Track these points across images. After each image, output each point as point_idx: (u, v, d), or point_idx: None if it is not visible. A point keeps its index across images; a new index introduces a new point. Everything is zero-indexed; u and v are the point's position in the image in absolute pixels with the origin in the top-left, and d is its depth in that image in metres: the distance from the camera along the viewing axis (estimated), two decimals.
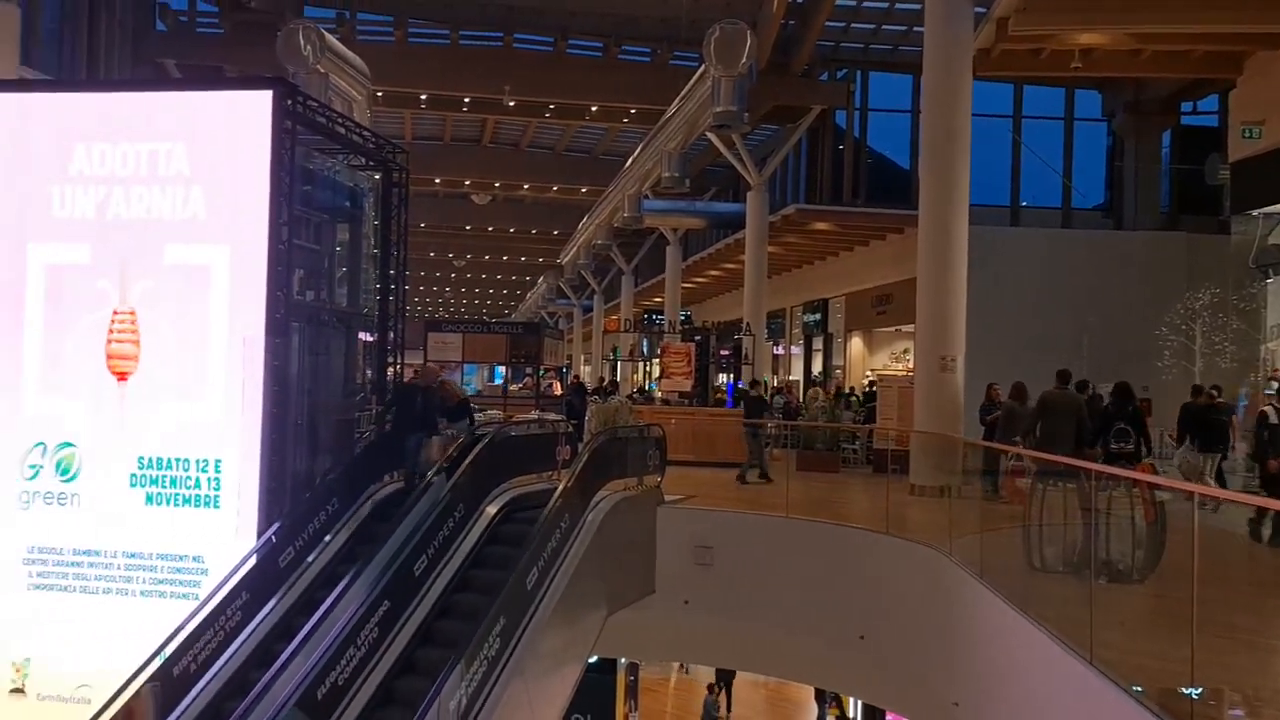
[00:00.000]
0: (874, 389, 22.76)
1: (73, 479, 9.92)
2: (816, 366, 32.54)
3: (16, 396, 10.07)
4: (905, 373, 25.80)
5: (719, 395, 25.22)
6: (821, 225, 26.10)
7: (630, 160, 29.10)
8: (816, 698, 20.12)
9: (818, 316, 31.91)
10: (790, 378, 33.36)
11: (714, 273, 35.46)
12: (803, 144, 28.93)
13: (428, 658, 8.04)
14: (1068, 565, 8.27)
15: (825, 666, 11.96)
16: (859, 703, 19.20)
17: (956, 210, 13.70)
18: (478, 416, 14.00)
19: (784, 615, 11.11)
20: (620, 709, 17.61)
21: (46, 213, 10.03)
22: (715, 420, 17.46)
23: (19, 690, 9.78)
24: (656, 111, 25.77)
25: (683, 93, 22.54)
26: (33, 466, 9.97)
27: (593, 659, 11.24)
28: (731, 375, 29.62)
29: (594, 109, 32.78)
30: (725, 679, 20.58)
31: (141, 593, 9.70)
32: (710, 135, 23.90)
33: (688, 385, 23.40)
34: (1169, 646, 6.14)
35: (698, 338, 26.74)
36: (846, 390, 23.48)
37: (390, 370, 12.65)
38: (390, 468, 10.83)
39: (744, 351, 25.12)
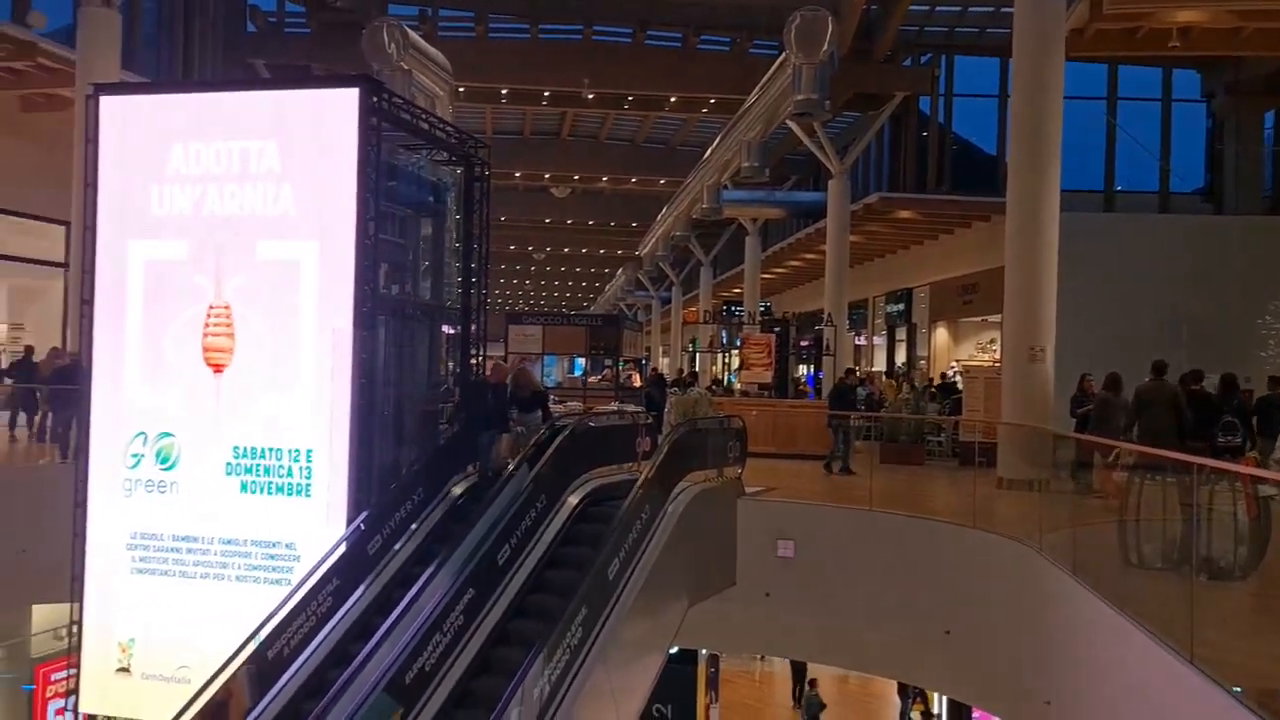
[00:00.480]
0: (947, 380, 22.36)
1: (172, 468, 10.27)
2: (900, 357, 32.03)
3: (119, 388, 10.45)
4: (992, 363, 25.24)
5: (801, 387, 24.99)
6: (905, 213, 25.64)
7: (709, 151, 28.97)
8: (900, 693, 19.84)
9: (901, 306, 31.38)
10: (873, 369, 32.89)
11: (794, 263, 35.12)
12: (885, 131, 28.45)
13: (511, 645, 8.14)
14: (1167, 562, 8.01)
15: (909, 661, 11.78)
16: (944, 699, 18.88)
17: (1047, 196, 13.32)
18: (557, 409, 14.13)
19: (867, 609, 10.98)
20: (701, 700, 17.58)
21: (146, 211, 10.37)
22: (796, 412, 17.31)
23: (125, 669, 10.19)
24: (736, 101, 25.61)
25: (762, 81, 22.35)
26: (135, 455, 10.35)
27: (674, 650, 11.23)
28: (812, 366, 29.34)
29: (673, 100, 32.71)
30: (798, 673, 20.42)
31: (237, 578, 10.00)
32: (790, 124, 23.65)
33: (768, 377, 23.21)
34: (1272, 645, 5.92)
35: (777, 329, 26.51)
36: (926, 382, 23.01)
37: (474, 362, 12.82)
38: (473, 459, 10.99)
39: (825, 342, 24.83)
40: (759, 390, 22.72)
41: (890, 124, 27.76)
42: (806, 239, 30.13)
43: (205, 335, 10.20)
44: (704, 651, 17.28)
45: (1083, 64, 22.07)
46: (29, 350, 16.53)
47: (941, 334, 29.39)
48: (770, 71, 21.75)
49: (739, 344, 27.14)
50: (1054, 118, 13.36)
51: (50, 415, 14.67)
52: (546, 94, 32.66)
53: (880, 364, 33.66)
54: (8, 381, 16.24)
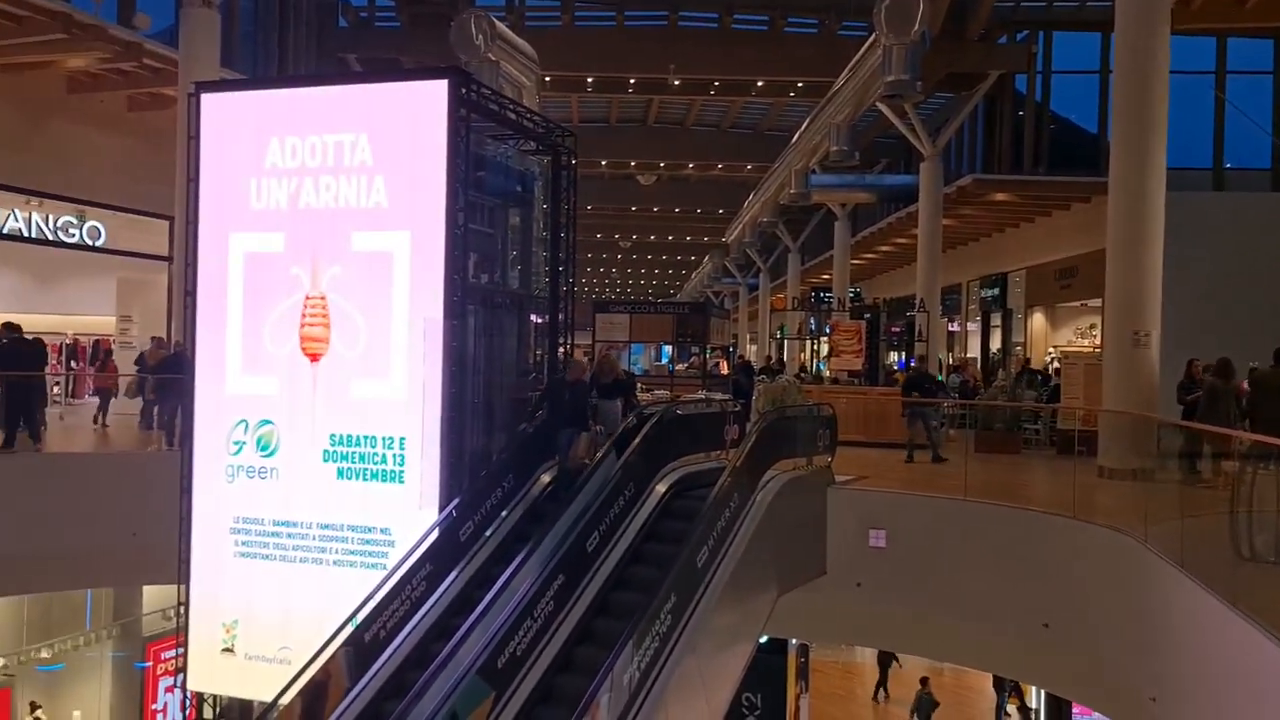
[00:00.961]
0: (1027, 366, 21.71)
1: (272, 454, 10.57)
2: (995, 343, 31.25)
3: (221, 377, 10.79)
4: (1092, 349, 24.43)
5: (894, 375, 24.48)
6: (1000, 196, 24.96)
7: (797, 135, 28.62)
8: (995, 686, 19.42)
9: (996, 291, 30.59)
10: (968, 355, 32.16)
11: (884, 248, 34.52)
12: (979, 111, 27.69)
13: (601, 631, 8.17)
14: None
15: (1005, 654, 11.49)
16: (1041, 693, 18.43)
17: (1152, 175, 12.79)
18: (644, 397, 14.13)
19: (962, 600, 10.74)
20: (791, 689, 17.46)
21: (245, 204, 10.66)
22: (888, 400, 16.98)
23: (229, 650, 10.55)
24: (824, 84, 25.24)
25: (852, 63, 21.97)
26: (236, 443, 10.69)
27: (763, 639, 11.16)
28: (903, 353, 28.83)
29: (759, 84, 32.44)
30: (886, 657, 20.13)
31: (334, 562, 10.25)
32: (881, 106, 23.20)
33: (858, 364, 22.86)
34: None
35: (868, 315, 26.10)
36: (1020, 368, 22.34)
37: (561, 350, 12.91)
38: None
39: (917, 329, 24.35)
40: (849, 377, 22.39)
41: (984, 104, 26.99)
42: (897, 223, 29.57)
43: (302, 325, 10.45)
44: (794, 641, 17.15)
45: (1189, 37, 21.16)
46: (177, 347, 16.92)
47: (1038, 319, 28.56)
48: (860, 53, 21.36)
49: (828, 331, 26.78)
50: (1160, 93, 12.81)
51: (157, 404, 15.24)
52: (632, 81, 32.69)
53: (975, 350, 32.91)
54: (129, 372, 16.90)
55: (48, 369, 15.89)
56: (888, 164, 37.30)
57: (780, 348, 42.63)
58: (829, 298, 35.64)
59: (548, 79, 26.13)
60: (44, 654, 16.27)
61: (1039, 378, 20.36)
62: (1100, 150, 24.25)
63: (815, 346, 33.48)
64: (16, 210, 18.20)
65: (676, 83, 31.53)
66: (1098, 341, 24.57)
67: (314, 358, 10.43)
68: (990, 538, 10.63)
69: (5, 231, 18.14)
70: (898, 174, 33.58)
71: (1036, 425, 17.21)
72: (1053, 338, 28.29)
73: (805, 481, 10.97)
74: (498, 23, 19.11)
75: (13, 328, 14.03)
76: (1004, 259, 29.74)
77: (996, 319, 31.14)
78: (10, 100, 17.27)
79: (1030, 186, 24.76)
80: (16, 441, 12.99)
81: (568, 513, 9.06)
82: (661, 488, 10.02)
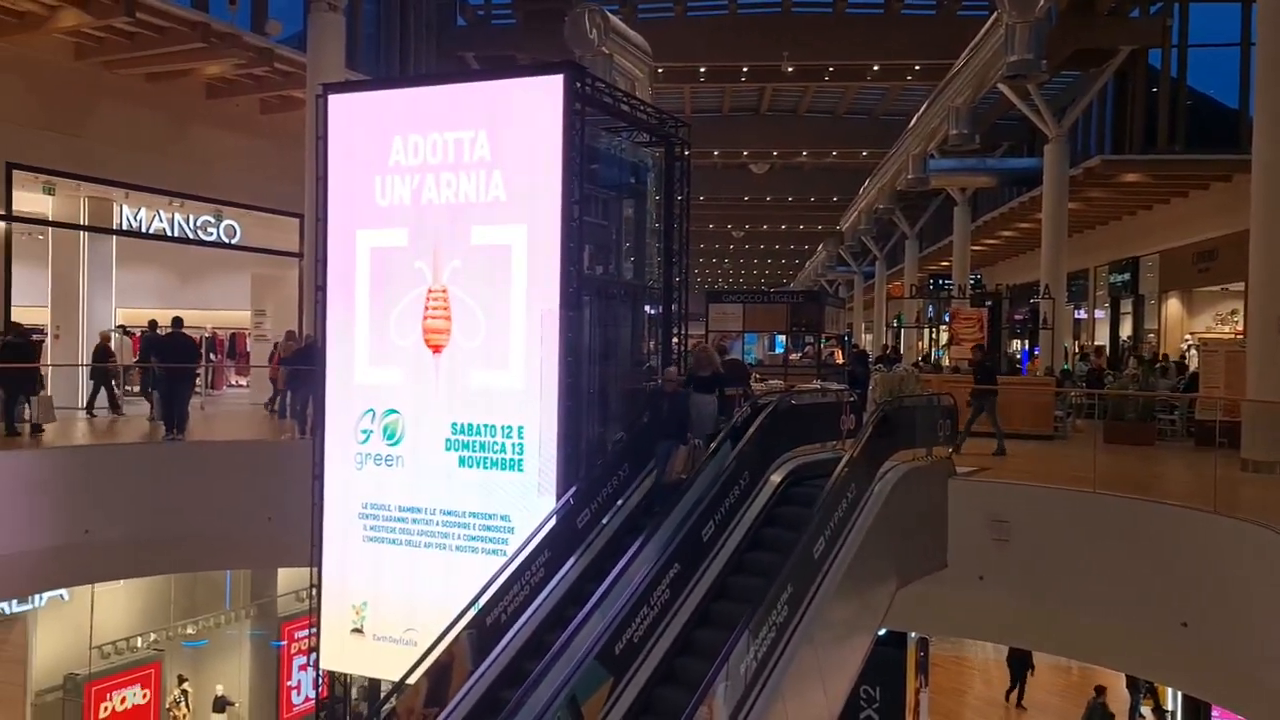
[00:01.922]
0: (1141, 354, 20.72)
1: (397, 443, 10.93)
2: (1125, 331, 29.97)
3: (350, 368, 11.21)
4: (1234, 336, 23.21)
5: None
6: (1132, 176, 23.90)
7: (914, 119, 27.98)
8: (1129, 686, 18.67)
9: (1126, 276, 29.32)
10: (1095, 342, 30.94)
11: (1007, 233, 33.47)
12: (1109, 89, 26.55)
13: (717, 619, 8.19)
14: None
15: (1140, 654, 11.03)
16: (1178, 695, 17.63)
17: None
18: (757, 387, 14.05)
19: (1092, 596, 10.37)
20: (910, 684, 17.14)
21: (371, 201, 11.03)
22: (1011, 389, 16.48)
23: (359, 630, 10.97)
24: (942, 66, 24.59)
25: (972, 44, 21.35)
26: (364, 431, 11.09)
27: (882, 631, 11.00)
28: (1027, 341, 27.91)
29: (875, 69, 31.81)
30: (1020, 664, 19.44)
31: (457, 547, 10.54)
32: (1002, 87, 22.49)
33: (980, 353, 22.19)
34: None
35: (989, 302, 25.34)
36: (1151, 355, 21.35)
37: (675, 340, 12.95)
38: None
39: (1042, 316, 23.54)
40: (969, 367, 21.81)
41: (1115, 81, 25.86)
42: (1021, 207, 28.64)
43: (425, 318, 10.76)
44: (913, 635, 16.83)
45: None
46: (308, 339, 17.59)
47: (1173, 305, 27.27)
48: (981, 33, 20.73)
49: (947, 318, 26.12)
50: None
51: (289, 394, 15.90)
52: (745, 70, 32.49)
53: (1103, 338, 31.64)
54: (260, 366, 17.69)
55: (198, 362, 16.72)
56: (1010, 147, 36.13)
57: (897, 336, 41.77)
58: (948, 285, 34.74)
59: (660, 70, 26.19)
60: (189, 630, 17.22)
61: (1162, 366, 19.44)
62: (1242, 127, 22.97)
63: (934, 335, 32.70)
64: (161, 211, 19.24)
65: (790, 70, 31.17)
66: (1240, 328, 23.31)
67: (436, 349, 10.73)
68: (1122, 532, 10.23)
69: (151, 231, 19.20)
70: (1020, 157, 32.47)
71: (1172, 416, 16.46)
72: (1189, 324, 26.97)
73: (925, 472, 10.76)
74: (611, 16, 19.25)
75: (178, 322, 14.83)
76: (1135, 243, 28.48)
77: (1127, 305, 29.86)
78: (155, 107, 18.25)
79: (1165, 166, 23.64)
80: (171, 431, 13.74)
81: (682, 502, 9.10)
82: (776, 478, 9.97)
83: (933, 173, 28.88)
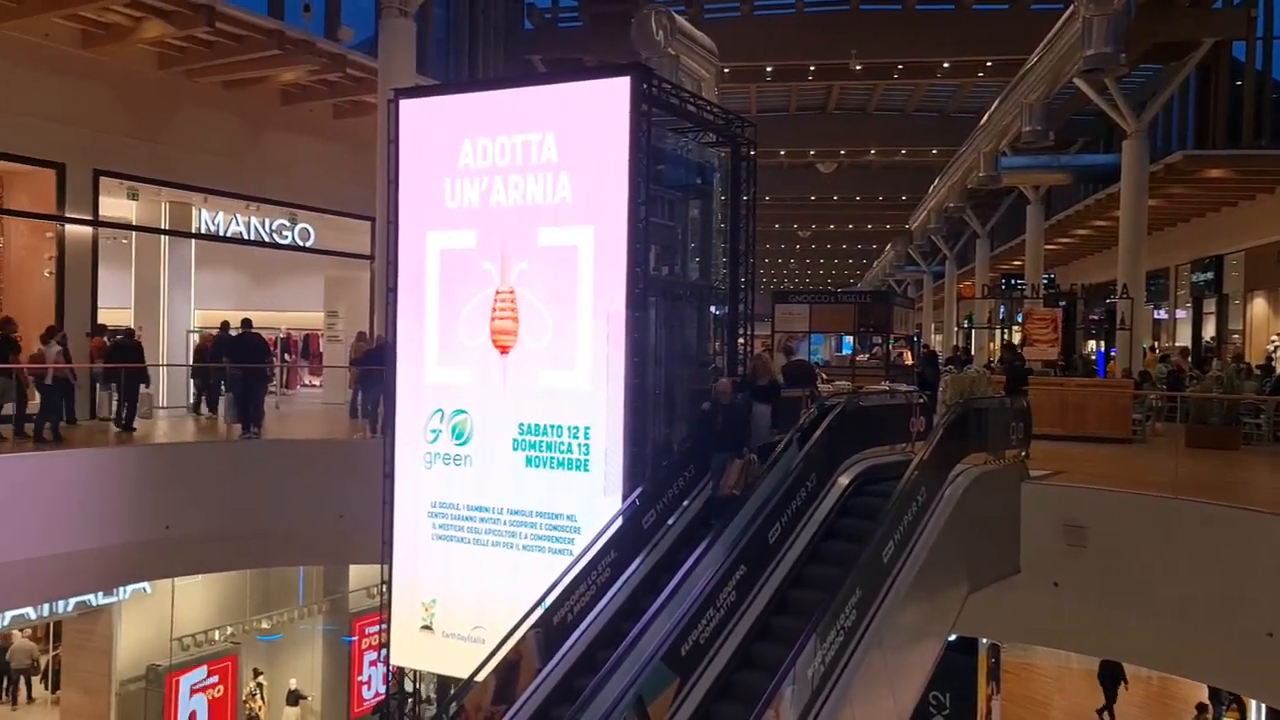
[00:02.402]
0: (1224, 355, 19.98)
1: (466, 442, 11.06)
2: (1209, 331, 29.05)
3: (420, 369, 11.37)
4: None
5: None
6: (1215, 172, 23.17)
7: (985, 116, 27.50)
8: (1211, 697, 18.10)
9: (1210, 275, 28.42)
10: (1179, 344, 30.06)
11: (1082, 232, 32.70)
12: (1190, 82, 25.78)
13: (784, 623, 8.13)
14: None
15: (1223, 664, 10.68)
16: (1262, 707, 17.04)
17: None
18: (824, 388, 13.90)
19: (1172, 605, 10.06)
20: (981, 690, 16.83)
21: (440, 204, 11.17)
22: (1086, 391, 16.09)
23: (428, 627, 11.12)
24: (1015, 62, 24.13)
25: (1047, 38, 20.91)
26: (433, 431, 11.24)
27: (952, 637, 10.80)
28: (1103, 342, 27.24)
29: (946, 65, 31.34)
30: (1113, 678, 18.60)
31: (524, 546, 10.62)
32: (1078, 81, 21.95)
33: (1054, 353, 21.73)
34: None
35: (1064, 302, 24.78)
36: (1235, 357, 20.63)
37: (740, 340, 12.90)
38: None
39: (1119, 316, 22.93)
40: (1043, 368, 21.34)
41: (1197, 74, 25.11)
42: (1097, 205, 27.96)
43: (492, 319, 10.86)
44: (984, 640, 16.53)
45: None
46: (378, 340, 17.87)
47: (1259, 304, 26.35)
48: (1056, 26, 20.29)
49: (1020, 319, 25.61)
50: None
51: (360, 394, 16.17)
52: (812, 68, 32.24)
53: (1185, 339, 30.73)
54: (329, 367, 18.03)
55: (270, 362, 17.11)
56: (1085, 143, 35.31)
57: (967, 337, 41.05)
58: (1021, 284, 34.07)
59: (727, 70, 26.12)
60: (264, 625, 17.64)
61: (1247, 367, 18.79)
62: None
63: (1006, 335, 32.09)
64: (238, 215, 19.73)
65: (858, 68, 30.83)
66: None
67: (503, 350, 10.83)
68: (1204, 538, 9.92)
69: (228, 234, 19.70)
70: (1097, 153, 31.72)
71: (1259, 419, 15.91)
72: (1276, 324, 26.05)
73: (997, 476, 10.55)
74: (677, 17, 19.25)
75: (247, 323, 15.22)
76: (1219, 240, 27.60)
77: (1210, 305, 28.94)
78: (233, 113, 18.73)
79: (1251, 161, 22.88)
80: (249, 429, 14.07)
81: (749, 503, 9.05)
82: (844, 480, 9.85)
83: (1005, 170, 28.35)
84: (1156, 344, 30.59)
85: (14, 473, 11.48)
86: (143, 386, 14.47)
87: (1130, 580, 10.30)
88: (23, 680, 18.10)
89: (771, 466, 9.39)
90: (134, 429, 14.15)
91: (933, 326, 56.07)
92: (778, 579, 8.55)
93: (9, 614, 14.20)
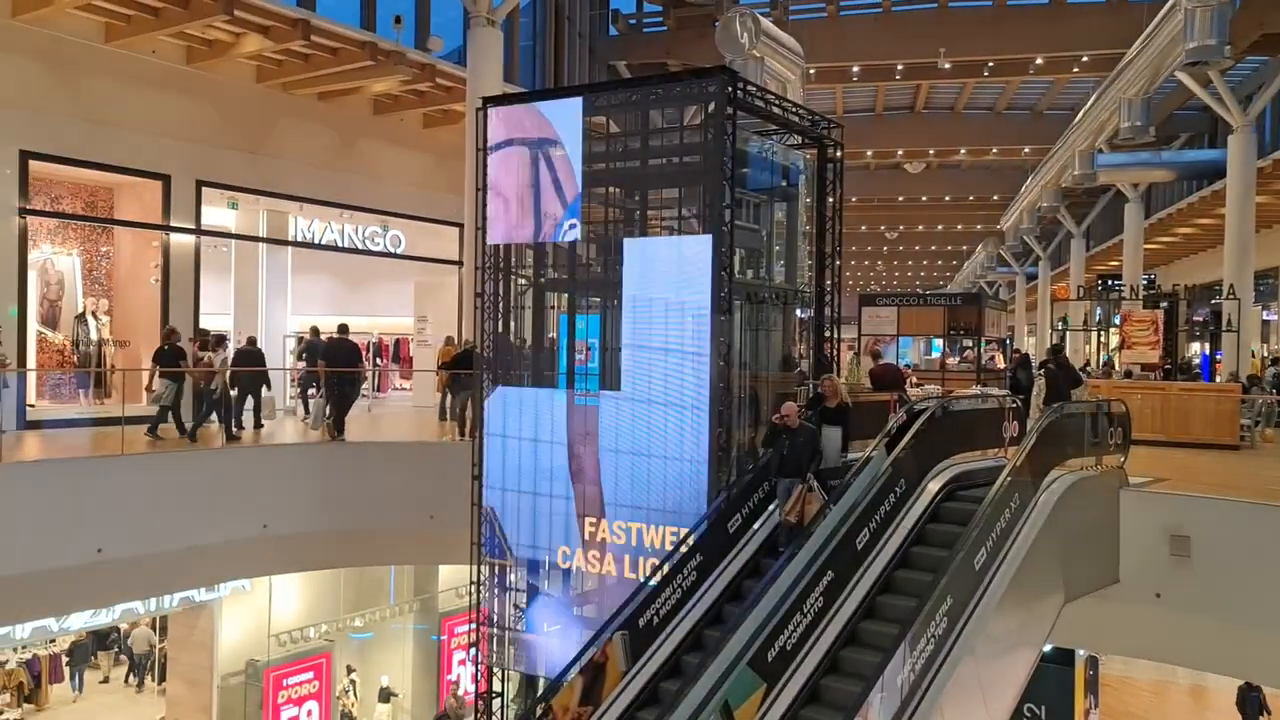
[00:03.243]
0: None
1: None
2: None
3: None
4: None
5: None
6: None
7: (1081, 113, 26.77)
8: None
9: None
10: None
11: (1184, 230, 31.54)
12: None
13: (872, 629, 8.02)
14: None
15: None
16: None
17: None
18: (913, 392, 13.67)
19: None
20: (1079, 703, 16.32)
21: None
22: (1189, 396, 15.51)
23: (517, 628, 11.25)
24: (1113, 57, 23.46)
25: (1147, 31, 20.25)
26: None
27: (1048, 647, 10.52)
28: (1208, 345, 26.21)
29: (1039, 61, 30.57)
30: (1255, 703, 17.52)
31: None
32: (1181, 75, 21.23)
33: (1154, 356, 21.01)
34: None
35: (1165, 303, 23.94)
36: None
37: (827, 342, 12.77)
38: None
39: (1225, 318, 22.04)
40: (1143, 371, 20.64)
41: None
42: (1201, 202, 26.97)
43: None
44: (1082, 652, 16.04)
45: None
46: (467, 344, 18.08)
47: None
48: (1157, 19, 19.64)
49: (1118, 321, 24.80)
50: None
51: (449, 397, 16.42)
52: (900, 68, 31.79)
53: None
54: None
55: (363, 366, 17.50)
56: (1188, 139, 34.05)
57: (1062, 339, 39.94)
58: (1118, 285, 33.00)
59: (812, 71, 25.91)
60: (357, 623, 18.05)
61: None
62: None
63: (1103, 338, 31.11)
64: (332, 223, 20.27)
65: (947, 66, 30.27)
66: None
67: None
68: None
69: (323, 242, 20.26)
70: (1200, 149, 30.56)
71: None
72: None
73: (1094, 483, 10.24)
74: (763, 19, 19.16)
75: (343, 329, 15.65)
76: None
77: None
78: (328, 125, 19.27)
79: None
80: (344, 430, 14.42)
81: (835, 509, 8.95)
82: (934, 486, 9.68)
83: (1102, 168, 27.53)
84: (1266, 346, 29.33)
85: (144, 472, 12.02)
86: (265, 390, 15.05)
87: (1240, 592, 9.88)
88: (143, 666, 18.89)
89: (839, 497, 8.94)
90: (261, 426, 14.81)
91: (1025, 329, 54.72)
92: (866, 585, 8.44)
93: (119, 607, 14.79)
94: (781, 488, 9.54)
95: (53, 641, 17.06)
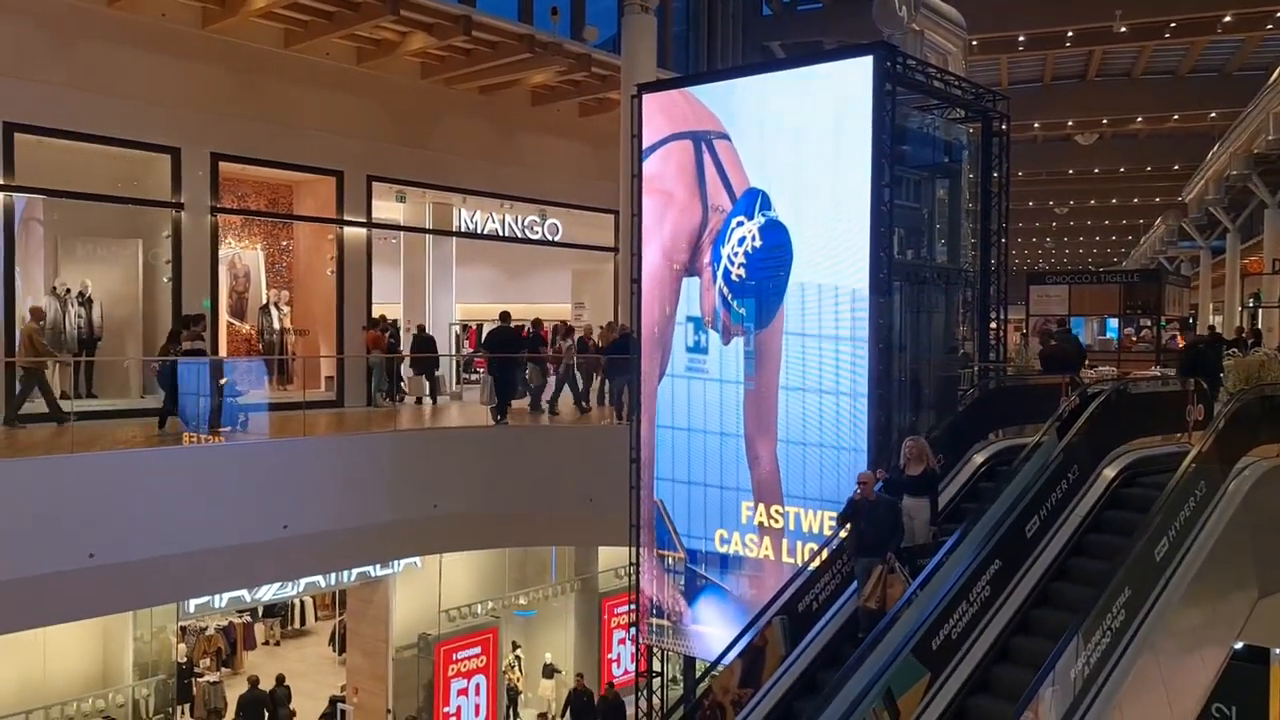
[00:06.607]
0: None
1: None
2: None
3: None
4: None
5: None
6: None
7: (1276, 72, 24.75)
8: None
9: None
10: None
11: None
12: None
13: (1042, 621, 7.75)
14: None
15: None
16: None
17: None
18: (1087, 374, 13.04)
19: None
20: (1274, 706, 15.23)
21: None
22: None
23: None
24: None
25: None
26: None
27: (1239, 645, 9.87)
28: None
29: (1227, 18, 28.48)
30: None
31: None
32: None
33: None
34: None
35: None
36: None
37: (993, 325, 12.33)
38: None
39: None
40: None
41: None
42: None
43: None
44: (1278, 650, 14.97)
45: None
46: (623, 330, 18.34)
47: None
48: None
49: None
50: None
51: (608, 381, 16.69)
52: (1070, 34, 30.21)
53: None
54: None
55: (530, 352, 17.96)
56: None
57: (1254, 318, 37.18)
58: None
59: (975, 43, 24.92)
60: (521, 601, 18.62)
61: None
62: None
63: None
64: (493, 213, 20.88)
65: (1123, 29, 28.56)
66: None
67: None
68: None
69: (485, 232, 20.90)
70: None
71: None
72: None
73: None
74: None
75: (505, 317, 16.15)
76: None
77: None
78: (488, 117, 19.84)
79: None
80: (506, 415, 14.87)
81: (1003, 495, 8.65)
82: (1110, 472, 9.24)
83: None
84: None
85: (324, 454, 12.79)
86: (436, 371, 17.16)
87: None
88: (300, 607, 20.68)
89: (926, 580, 7.73)
90: (411, 402, 16.56)
91: (1211, 307, 51.23)
92: (1036, 574, 8.16)
93: (303, 580, 15.74)
94: (860, 567, 8.41)
95: (244, 611, 18.33)
